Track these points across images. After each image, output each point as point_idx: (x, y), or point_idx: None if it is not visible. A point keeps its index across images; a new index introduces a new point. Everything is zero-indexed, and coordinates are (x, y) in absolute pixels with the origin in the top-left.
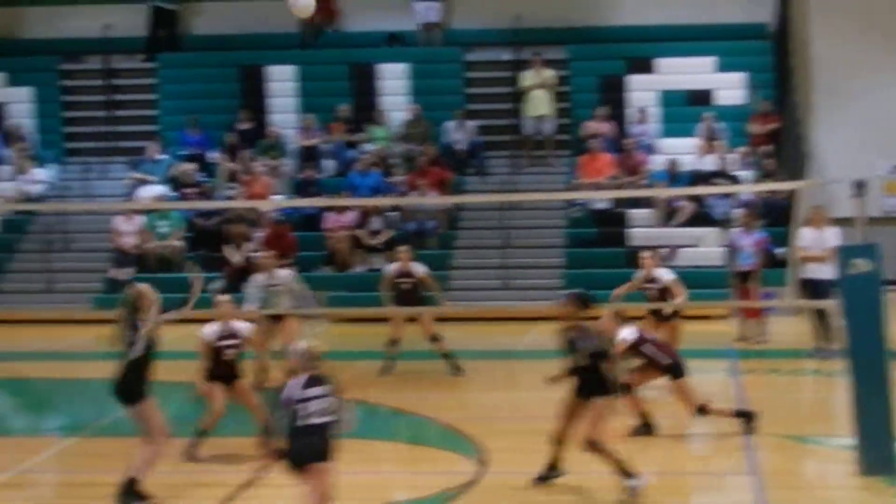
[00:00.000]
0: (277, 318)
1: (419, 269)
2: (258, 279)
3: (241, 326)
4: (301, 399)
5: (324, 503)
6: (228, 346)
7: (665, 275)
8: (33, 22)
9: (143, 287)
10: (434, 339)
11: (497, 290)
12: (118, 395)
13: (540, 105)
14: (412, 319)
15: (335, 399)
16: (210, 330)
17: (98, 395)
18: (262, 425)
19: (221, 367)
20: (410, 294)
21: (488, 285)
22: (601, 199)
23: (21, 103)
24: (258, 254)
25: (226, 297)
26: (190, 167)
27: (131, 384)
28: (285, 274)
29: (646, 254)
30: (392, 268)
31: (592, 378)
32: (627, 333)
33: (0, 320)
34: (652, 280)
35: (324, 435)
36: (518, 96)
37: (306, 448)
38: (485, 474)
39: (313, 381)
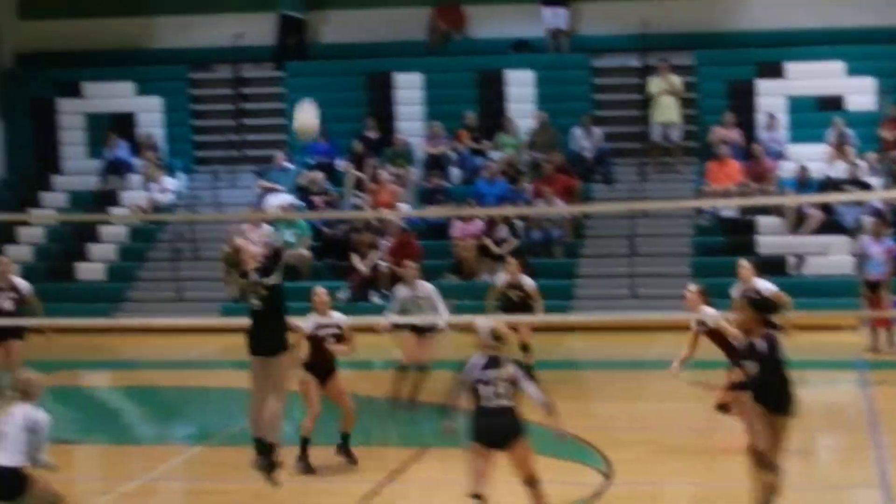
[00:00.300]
0: (421, 331)
1: (528, 281)
2: (402, 291)
3: (339, 317)
4: (479, 380)
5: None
6: (325, 336)
7: (764, 286)
8: (164, 32)
9: (240, 242)
10: (525, 348)
11: (623, 298)
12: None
13: (667, 111)
14: (513, 328)
15: (513, 381)
16: (308, 321)
17: (225, 404)
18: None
19: (319, 358)
20: (518, 306)
21: (614, 294)
22: (729, 207)
23: (151, 112)
24: (385, 263)
25: (321, 290)
26: (318, 176)
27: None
28: (428, 287)
29: (744, 263)
30: (502, 278)
31: (773, 390)
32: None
33: (129, 329)
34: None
35: (505, 418)
36: (645, 103)
37: (490, 429)
38: (609, 486)
39: (492, 363)
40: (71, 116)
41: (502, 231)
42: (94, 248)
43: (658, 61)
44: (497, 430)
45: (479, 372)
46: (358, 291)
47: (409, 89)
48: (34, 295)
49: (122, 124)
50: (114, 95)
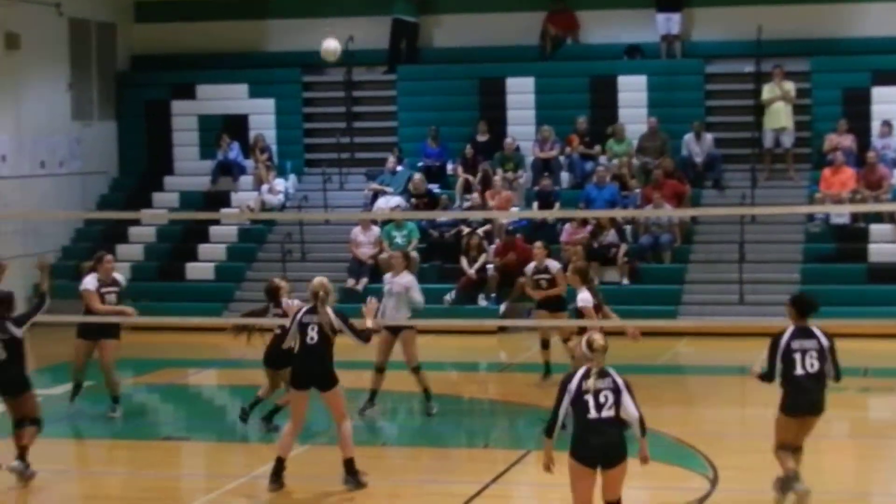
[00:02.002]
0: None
1: (554, 264)
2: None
3: None
4: (580, 391)
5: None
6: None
7: None
8: (277, 35)
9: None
10: (545, 345)
11: (732, 304)
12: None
13: (780, 117)
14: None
15: (616, 392)
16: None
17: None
18: None
19: None
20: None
21: (723, 300)
22: (841, 214)
23: (263, 114)
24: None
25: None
26: (417, 177)
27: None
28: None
29: None
30: (530, 266)
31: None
32: None
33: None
34: None
35: (609, 432)
36: (758, 109)
37: (595, 445)
38: (714, 492)
39: (598, 374)
40: (184, 118)
41: (611, 236)
42: (204, 249)
43: (772, 67)
44: (601, 447)
45: (581, 382)
46: (464, 294)
47: (520, 94)
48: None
49: (235, 126)
50: (227, 97)
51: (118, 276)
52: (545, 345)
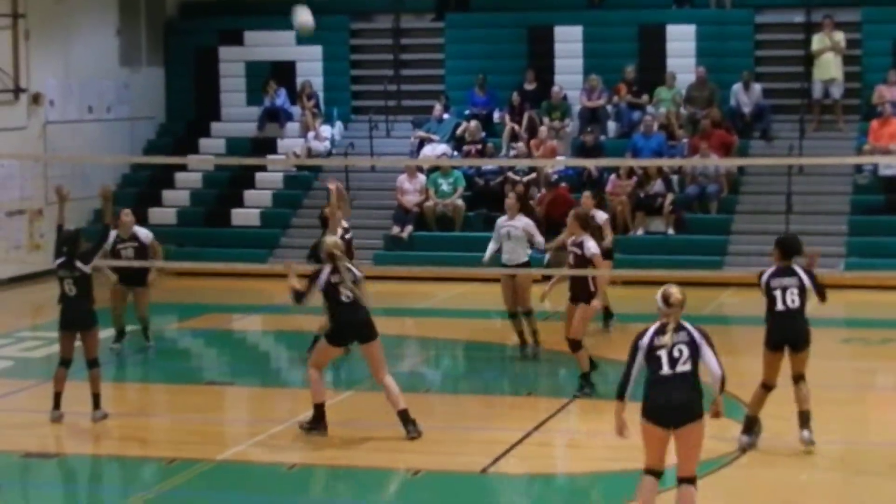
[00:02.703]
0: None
1: (601, 215)
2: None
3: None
4: (653, 347)
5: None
6: None
7: None
8: None
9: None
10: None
11: None
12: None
13: (829, 68)
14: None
15: (692, 345)
16: None
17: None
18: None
19: None
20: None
21: (769, 251)
22: (890, 166)
23: (310, 61)
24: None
25: None
26: (473, 125)
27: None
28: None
29: None
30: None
31: None
32: None
33: (281, 275)
34: None
35: (683, 389)
36: (808, 59)
37: (665, 404)
38: (760, 441)
39: (663, 329)
40: (231, 64)
41: (658, 185)
42: (250, 195)
43: (822, 17)
44: (673, 405)
45: (654, 337)
46: None
47: (568, 42)
48: (155, 241)
49: (282, 72)
50: (274, 44)
51: (141, 230)
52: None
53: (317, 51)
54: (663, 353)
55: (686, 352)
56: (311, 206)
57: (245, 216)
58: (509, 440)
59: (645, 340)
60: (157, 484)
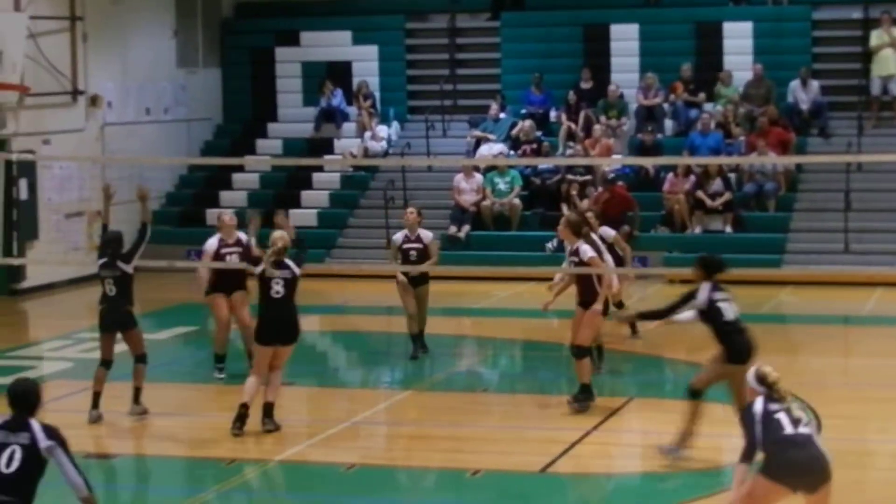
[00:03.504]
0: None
1: (608, 232)
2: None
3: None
4: (771, 410)
5: None
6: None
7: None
8: None
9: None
10: (620, 305)
11: (837, 253)
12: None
13: (888, 65)
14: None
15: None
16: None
17: (434, 349)
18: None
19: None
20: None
21: (828, 248)
22: None
23: (367, 61)
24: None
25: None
26: (528, 124)
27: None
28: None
29: None
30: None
31: None
32: None
33: (338, 275)
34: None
35: (814, 449)
36: (866, 56)
37: (798, 460)
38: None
39: (772, 399)
40: (288, 65)
41: (715, 184)
42: (307, 195)
43: (881, 13)
44: (807, 462)
45: (767, 402)
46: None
47: (625, 40)
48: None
49: (338, 73)
50: (331, 44)
51: (243, 235)
52: (619, 305)
53: (373, 51)
54: (782, 416)
55: (804, 416)
56: (368, 206)
57: (302, 216)
58: (567, 440)
59: (757, 407)
60: (216, 484)
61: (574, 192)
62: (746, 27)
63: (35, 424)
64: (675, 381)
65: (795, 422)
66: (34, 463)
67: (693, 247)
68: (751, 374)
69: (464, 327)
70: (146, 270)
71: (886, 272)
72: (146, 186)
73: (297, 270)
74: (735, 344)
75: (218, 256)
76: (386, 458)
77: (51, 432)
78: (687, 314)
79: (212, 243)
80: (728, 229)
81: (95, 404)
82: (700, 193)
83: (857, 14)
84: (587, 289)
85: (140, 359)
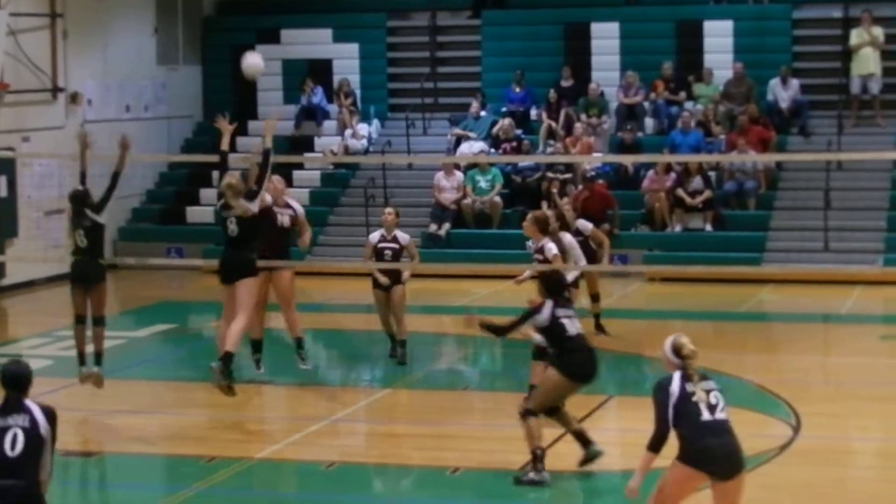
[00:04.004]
0: None
1: (585, 226)
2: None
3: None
4: (688, 392)
5: None
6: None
7: None
8: None
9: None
10: (595, 298)
11: (817, 252)
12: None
13: (868, 63)
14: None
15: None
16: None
17: (414, 348)
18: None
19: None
20: (583, 248)
21: (808, 247)
22: None
23: (347, 59)
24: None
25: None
26: (507, 122)
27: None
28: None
29: None
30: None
31: None
32: None
33: (319, 272)
34: None
35: (730, 437)
36: (846, 54)
37: (715, 448)
38: (797, 439)
39: (698, 377)
40: (268, 62)
41: (696, 182)
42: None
43: (861, 12)
44: (723, 451)
45: (683, 383)
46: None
47: (605, 39)
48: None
49: (319, 70)
50: (311, 42)
51: (292, 201)
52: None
53: (353, 49)
54: (699, 401)
55: (722, 400)
56: (349, 204)
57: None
58: (547, 437)
59: (674, 387)
60: (196, 482)
61: (555, 190)
62: (727, 26)
63: (32, 405)
64: (655, 379)
65: (712, 407)
66: (36, 444)
67: (673, 245)
68: (667, 343)
69: (444, 325)
70: (126, 268)
71: (866, 271)
72: (130, 138)
73: (252, 208)
74: (574, 359)
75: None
76: (366, 456)
77: (50, 416)
78: (537, 337)
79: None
80: (708, 227)
81: (82, 361)
82: (680, 191)
83: (837, 13)
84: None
85: (99, 321)
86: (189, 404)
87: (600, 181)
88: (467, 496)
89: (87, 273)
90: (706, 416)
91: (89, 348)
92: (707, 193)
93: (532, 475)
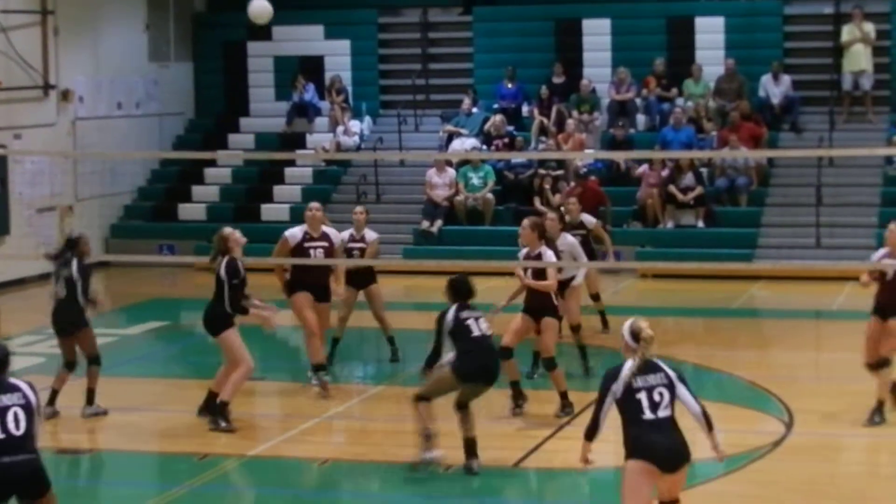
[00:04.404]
0: None
1: (589, 219)
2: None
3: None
4: (633, 388)
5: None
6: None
7: None
8: None
9: (227, 230)
10: (596, 297)
11: (808, 248)
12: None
13: (859, 59)
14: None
15: (670, 387)
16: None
17: (404, 345)
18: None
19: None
20: (583, 246)
21: (799, 243)
22: None
23: (339, 56)
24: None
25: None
26: (499, 118)
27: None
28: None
29: (892, 226)
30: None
31: None
32: None
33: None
34: None
35: (675, 433)
36: (837, 51)
37: (663, 447)
38: (790, 435)
39: (644, 368)
40: (260, 59)
41: (687, 178)
42: (279, 190)
43: (852, 8)
44: (667, 448)
45: (631, 378)
46: None
47: (597, 35)
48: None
49: (311, 67)
50: (303, 38)
51: (329, 230)
52: (596, 297)
53: (345, 45)
54: (642, 397)
55: (667, 395)
56: (341, 200)
57: (275, 211)
58: (540, 435)
59: (619, 383)
60: (189, 479)
61: (547, 187)
62: (718, 22)
63: (19, 382)
64: None
65: (655, 406)
66: (33, 419)
67: (665, 241)
68: (625, 327)
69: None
70: (117, 266)
71: (857, 267)
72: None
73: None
74: (467, 360)
75: (301, 250)
76: (359, 453)
77: (34, 389)
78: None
79: (295, 233)
80: (700, 224)
81: (52, 400)
82: (672, 188)
83: (828, 9)
84: (541, 297)
85: (94, 360)
86: (181, 401)
87: (592, 178)
88: (460, 493)
89: (64, 323)
90: (648, 414)
91: (74, 389)
92: (699, 190)
93: (425, 455)
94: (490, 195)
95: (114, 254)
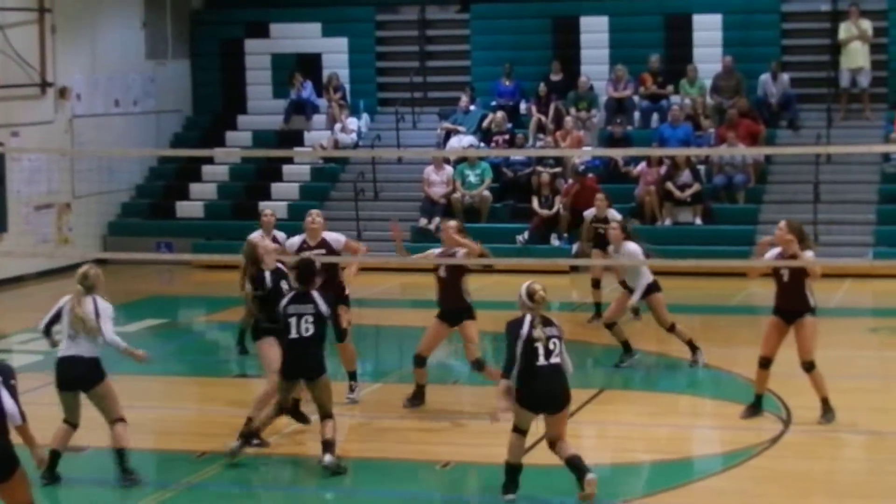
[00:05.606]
0: None
1: (614, 215)
2: None
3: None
4: (534, 337)
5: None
6: None
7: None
8: None
9: (255, 238)
10: (596, 284)
11: None
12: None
13: (857, 57)
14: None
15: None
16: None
17: (402, 343)
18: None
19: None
20: (604, 240)
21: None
22: None
23: (337, 53)
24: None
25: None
26: (500, 115)
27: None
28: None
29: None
30: (589, 213)
31: None
32: None
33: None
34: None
35: (557, 380)
36: (835, 48)
37: (541, 392)
38: (787, 432)
39: (545, 322)
40: (258, 57)
41: (685, 176)
42: (277, 187)
43: (849, 6)
44: (548, 394)
45: (531, 328)
46: (537, 233)
47: (594, 33)
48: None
49: (308, 65)
50: (301, 36)
51: (329, 235)
52: (596, 284)
53: (343, 43)
54: (540, 346)
55: (559, 345)
56: (339, 198)
57: (273, 208)
58: (538, 431)
59: (524, 330)
60: (187, 476)
61: (545, 184)
62: (716, 19)
63: None
64: (646, 373)
65: (549, 353)
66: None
67: (663, 239)
68: (523, 288)
69: (433, 320)
70: (115, 263)
71: (855, 264)
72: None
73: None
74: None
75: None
76: (356, 451)
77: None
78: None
79: (294, 243)
80: (698, 221)
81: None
82: (669, 185)
83: (825, 6)
84: (458, 300)
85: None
86: (179, 399)
87: (590, 175)
88: (458, 490)
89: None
90: (541, 360)
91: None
92: (696, 187)
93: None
94: (487, 193)
95: (111, 251)
